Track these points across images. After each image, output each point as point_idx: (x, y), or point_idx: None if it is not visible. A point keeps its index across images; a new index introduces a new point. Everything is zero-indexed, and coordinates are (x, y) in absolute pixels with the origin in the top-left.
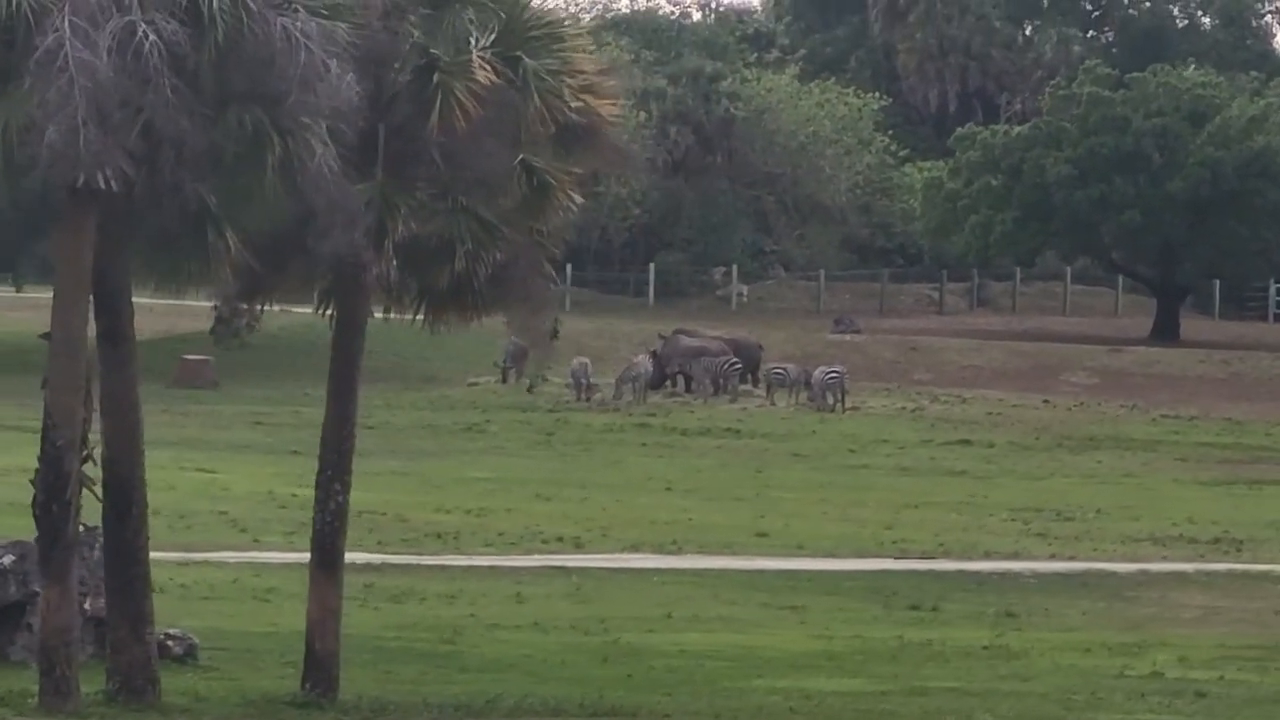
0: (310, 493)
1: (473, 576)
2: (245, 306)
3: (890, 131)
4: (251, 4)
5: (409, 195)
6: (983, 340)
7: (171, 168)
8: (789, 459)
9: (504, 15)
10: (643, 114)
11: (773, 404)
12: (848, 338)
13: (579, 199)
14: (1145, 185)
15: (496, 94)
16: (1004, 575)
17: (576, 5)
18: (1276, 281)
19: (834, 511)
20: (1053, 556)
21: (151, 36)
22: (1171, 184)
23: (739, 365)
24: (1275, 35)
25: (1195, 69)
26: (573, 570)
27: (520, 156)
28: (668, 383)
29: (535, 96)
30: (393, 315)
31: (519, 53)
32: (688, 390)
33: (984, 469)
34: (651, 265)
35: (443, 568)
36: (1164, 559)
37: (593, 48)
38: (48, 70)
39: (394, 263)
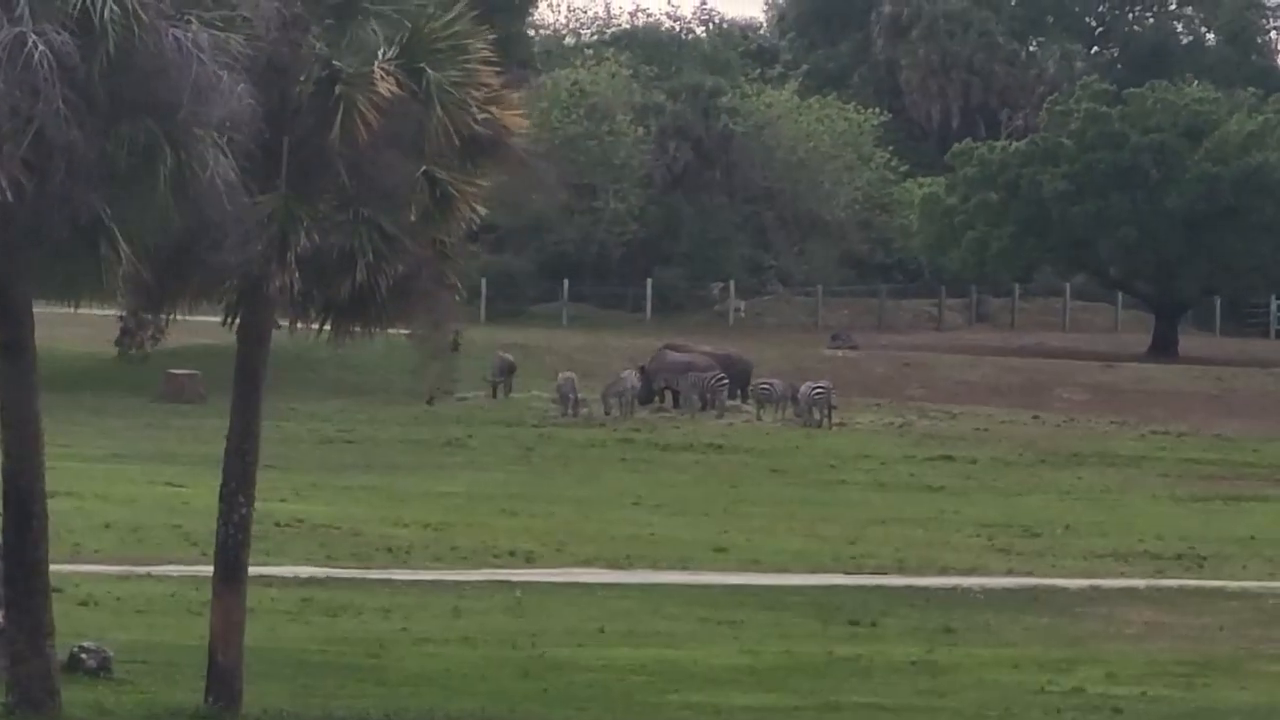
0: (271, 506)
1: (415, 591)
2: (149, 318)
3: (892, 147)
4: (143, 15)
5: (311, 207)
6: (977, 356)
7: (62, 178)
8: (767, 474)
9: (409, 26)
10: (641, 129)
11: (759, 419)
12: (841, 354)
13: (483, 210)
14: (1142, 201)
15: (399, 106)
16: (953, 591)
17: (577, 21)
18: (1277, 298)
19: (800, 527)
20: (1010, 572)
21: (41, 47)
22: (1168, 200)
23: (726, 380)
24: (1279, 52)
25: (1196, 85)
26: (517, 585)
27: (424, 168)
28: (656, 398)
29: (438, 108)
30: (299, 327)
31: (423, 64)
32: (675, 405)
33: (962, 485)
34: (649, 280)
35: (387, 582)
36: (1122, 575)
37: (495, 60)
38: None
39: (296, 274)
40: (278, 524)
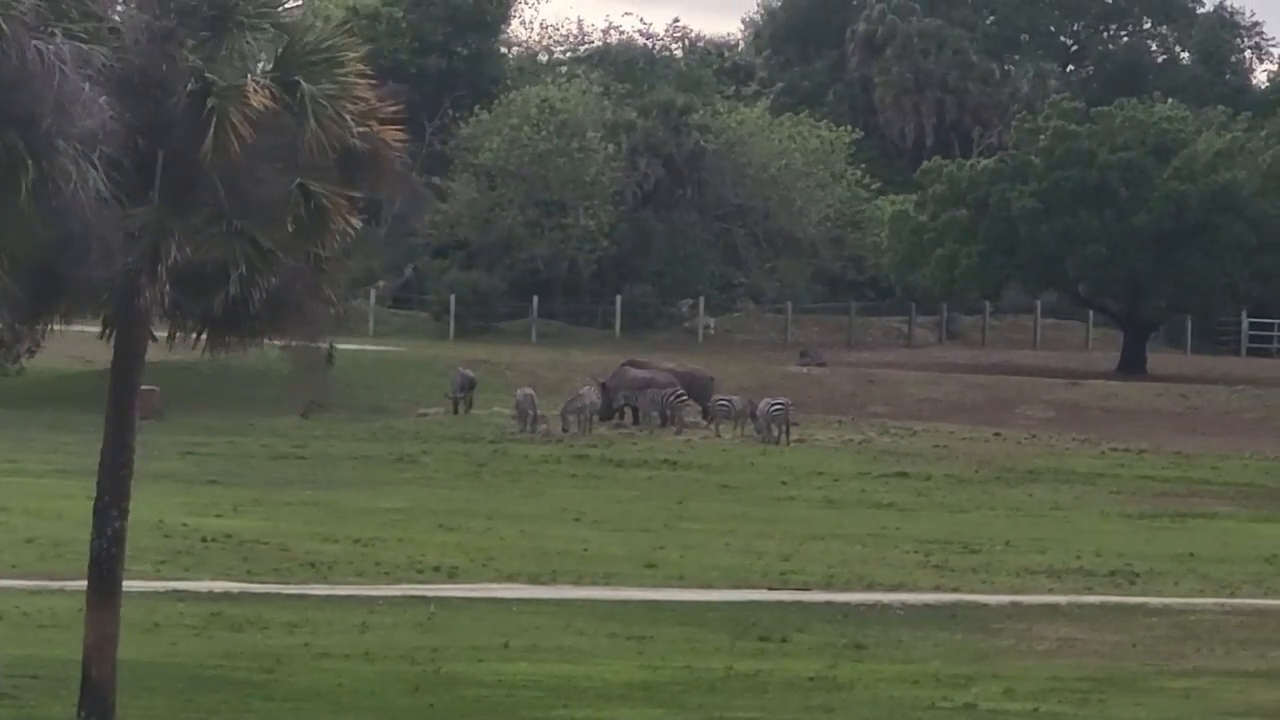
0: (203, 522)
1: (328, 606)
2: (24, 330)
3: (864, 165)
4: (4, 26)
5: (184, 220)
6: (942, 373)
7: None
8: (717, 491)
9: (286, 39)
10: (612, 146)
11: (718, 435)
12: (805, 370)
13: (357, 223)
14: (1110, 219)
15: (273, 119)
16: (873, 607)
17: (549, 38)
18: (1248, 315)
19: (737, 543)
20: (937, 588)
21: None
22: (1136, 218)
23: (685, 397)
24: (1253, 71)
25: (1166, 104)
26: (432, 600)
27: (298, 181)
28: (616, 414)
29: (312, 121)
30: (176, 339)
31: (297, 78)
32: (635, 422)
33: (912, 501)
34: (618, 297)
35: (302, 597)
36: (1050, 591)
37: (370, 74)
38: None
39: (167, 288)
40: (204, 539)
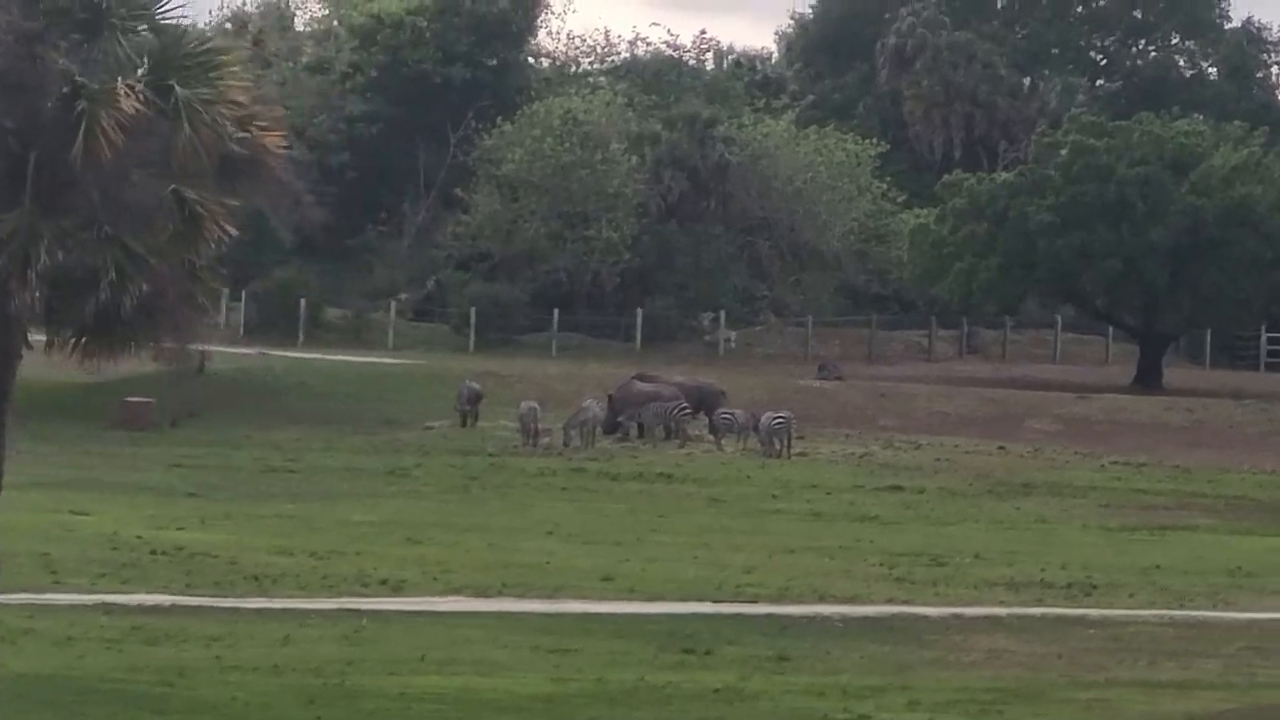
0: (160, 534)
1: (258, 619)
2: None
3: (891, 178)
4: None
5: (55, 224)
6: (956, 387)
7: None
8: (706, 504)
9: (161, 44)
10: (636, 158)
11: (720, 449)
12: (819, 384)
13: (234, 230)
14: (1127, 233)
15: (147, 123)
16: (814, 619)
17: (576, 49)
18: (1267, 330)
19: (706, 556)
20: (889, 600)
21: None
22: (1153, 232)
23: (689, 410)
24: (1278, 86)
25: (1191, 118)
26: (366, 614)
27: (171, 187)
28: (620, 428)
29: (186, 126)
30: (52, 345)
31: (172, 82)
32: (640, 435)
33: (898, 514)
34: (639, 310)
35: (234, 610)
36: (1001, 603)
37: (248, 79)
38: None
39: (38, 294)
40: (153, 552)
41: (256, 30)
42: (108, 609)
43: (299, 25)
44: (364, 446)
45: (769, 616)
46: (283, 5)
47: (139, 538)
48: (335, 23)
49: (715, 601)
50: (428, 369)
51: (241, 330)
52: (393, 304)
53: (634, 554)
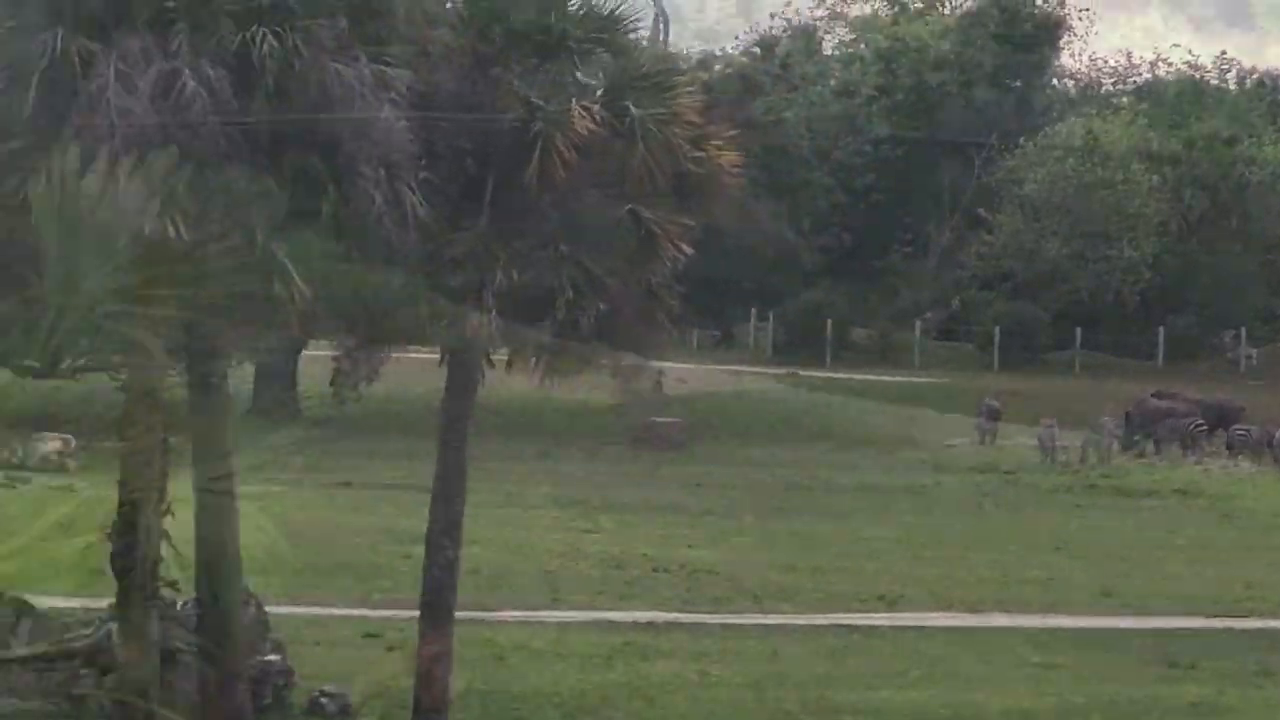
0: (671, 552)
1: (750, 635)
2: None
3: None
4: (304, 49)
5: (510, 245)
6: None
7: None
8: (1217, 520)
9: (617, 65)
10: (1156, 177)
11: (1236, 465)
12: None
13: (688, 249)
14: None
15: (599, 144)
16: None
17: (1098, 70)
18: None
19: (1208, 571)
20: None
21: (193, 82)
22: None
23: (1204, 426)
24: None
25: None
26: (856, 629)
27: (628, 206)
28: (1137, 444)
29: (641, 146)
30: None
31: (627, 102)
32: (1156, 452)
33: None
34: (1161, 328)
35: (726, 626)
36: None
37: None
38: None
39: (494, 314)
40: (655, 569)
41: (784, 55)
42: (600, 626)
43: (826, 49)
44: (883, 464)
45: (1259, 631)
46: (810, 29)
47: (645, 555)
48: (862, 46)
49: (1207, 616)
50: (950, 387)
51: (770, 351)
52: (918, 324)
53: (1137, 569)
